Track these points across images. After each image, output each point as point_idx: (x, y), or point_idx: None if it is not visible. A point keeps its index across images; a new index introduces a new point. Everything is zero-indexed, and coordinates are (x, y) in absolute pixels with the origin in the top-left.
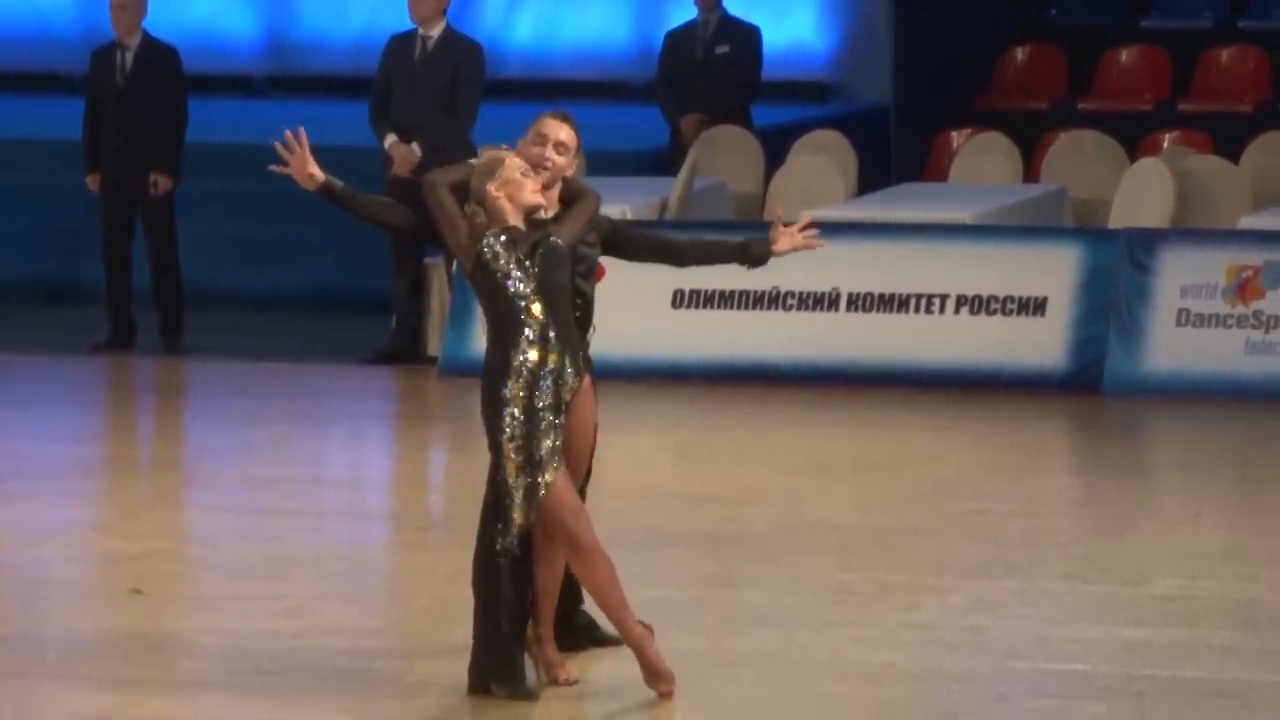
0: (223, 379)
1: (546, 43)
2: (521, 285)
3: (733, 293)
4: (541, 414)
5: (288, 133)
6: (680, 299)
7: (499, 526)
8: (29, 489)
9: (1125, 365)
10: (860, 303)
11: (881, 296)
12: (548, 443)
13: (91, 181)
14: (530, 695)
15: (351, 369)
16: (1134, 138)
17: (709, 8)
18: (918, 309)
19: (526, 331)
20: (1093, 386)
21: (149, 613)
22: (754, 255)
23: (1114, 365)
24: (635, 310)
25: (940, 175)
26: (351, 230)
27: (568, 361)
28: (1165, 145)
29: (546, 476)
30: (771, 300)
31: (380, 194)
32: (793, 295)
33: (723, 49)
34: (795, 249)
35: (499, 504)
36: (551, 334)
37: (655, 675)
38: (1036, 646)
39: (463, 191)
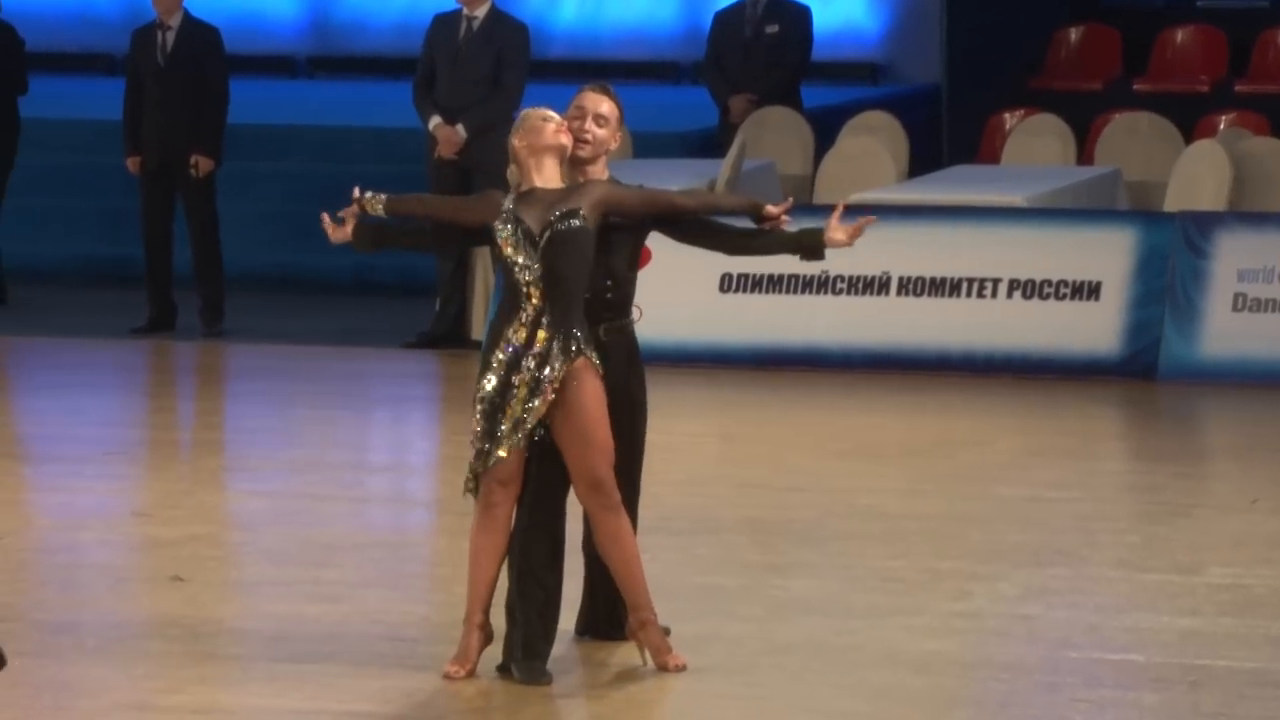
0: (264, 362)
1: (592, 22)
2: (526, 273)
3: (781, 277)
4: (514, 391)
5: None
6: (728, 283)
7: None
8: (68, 473)
9: (1180, 350)
10: (911, 287)
11: (933, 280)
12: (509, 421)
13: (132, 163)
14: (542, 678)
15: (395, 352)
16: (1190, 119)
17: None
18: (969, 293)
19: (522, 313)
20: (1147, 372)
21: (189, 599)
22: (806, 246)
23: (1169, 350)
24: (682, 294)
25: (993, 157)
26: None
27: (557, 346)
28: (1222, 127)
29: (500, 451)
30: (821, 284)
31: (426, 180)
32: (842, 279)
33: (772, 29)
34: (852, 238)
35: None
36: (545, 319)
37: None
38: (1089, 635)
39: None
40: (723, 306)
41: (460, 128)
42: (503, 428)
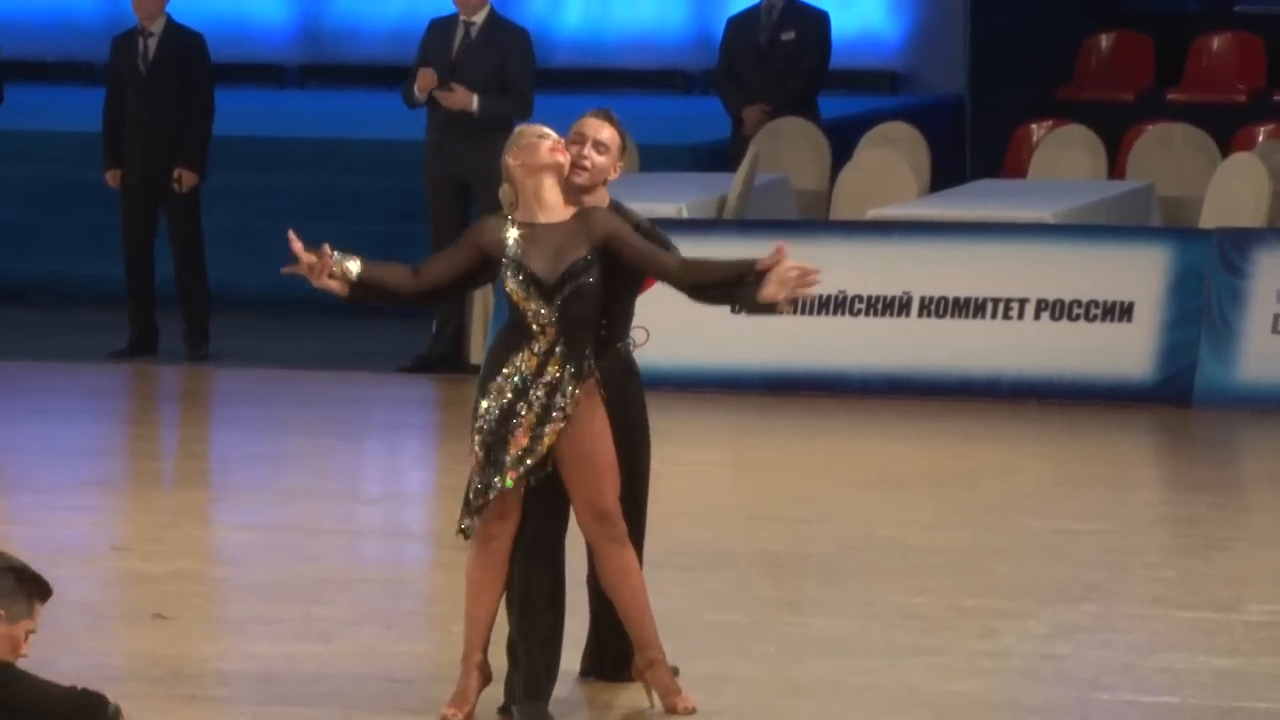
0: (251, 388)
1: (597, 29)
2: (539, 318)
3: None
4: (519, 419)
5: (298, 249)
6: None
7: (460, 510)
8: (44, 505)
9: (1217, 374)
10: (933, 307)
11: (956, 301)
12: (515, 449)
13: (111, 177)
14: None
15: (389, 377)
16: (1226, 131)
17: None
18: (995, 314)
19: (534, 344)
20: (1182, 397)
21: (172, 638)
22: (743, 299)
23: (1205, 374)
24: (691, 315)
25: (1019, 171)
26: (389, 229)
27: (569, 374)
28: (1260, 139)
29: (505, 481)
30: (838, 305)
31: (424, 194)
32: (860, 299)
33: (788, 35)
34: (786, 298)
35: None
36: (558, 350)
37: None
38: (1121, 676)
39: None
40: (734, 328)
41: (474, 96)
42: (507, 456)
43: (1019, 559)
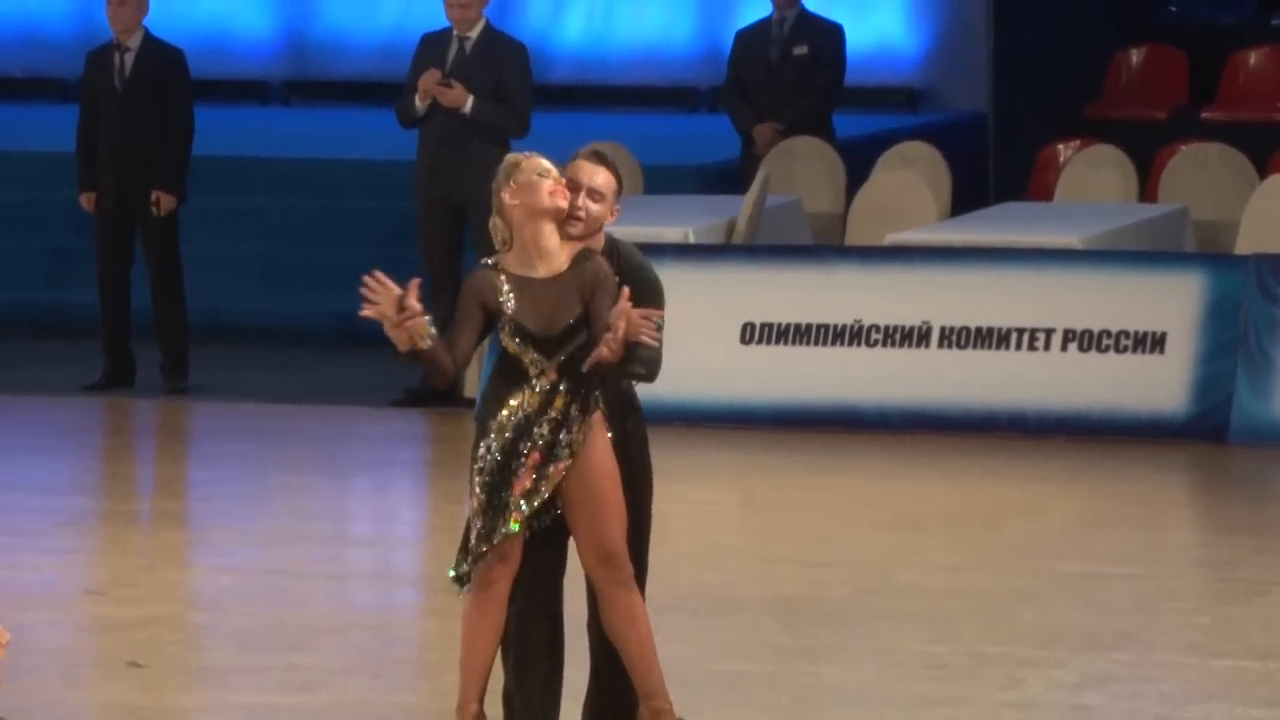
0: (232, 423)
1: (599, 43)
2: (537, 366)
3: (809, 327)
4: (523, 459)
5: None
6: (750, 333)
7: (456, 555)
8: (13, 547)
9: (1255, 409)
10: (954, 338)
11: (978, 331)
12: (520, 490)
13: (86, 199)
14: None
15: (379, 412)
16: (1264, 151)
17: (785, 4)
18: (1019, 345)
19: (536, 383)
20: (1218, 433)
21: (149, 687)
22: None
23: (1242, 409)
24: (699, 346)
25: (1045, 194)
26: (379, 254)
27: (575, 408)
28: None
29: (510, 525)
30: (854, 335)
31: (415, 217)
32: (877, 329)
33: (800, 50)
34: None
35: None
36: (562, 387)
37: None
38: None
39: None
40: (744, 359)
41: (469, 96)
42: (511, 498)
43: (1046, 604)
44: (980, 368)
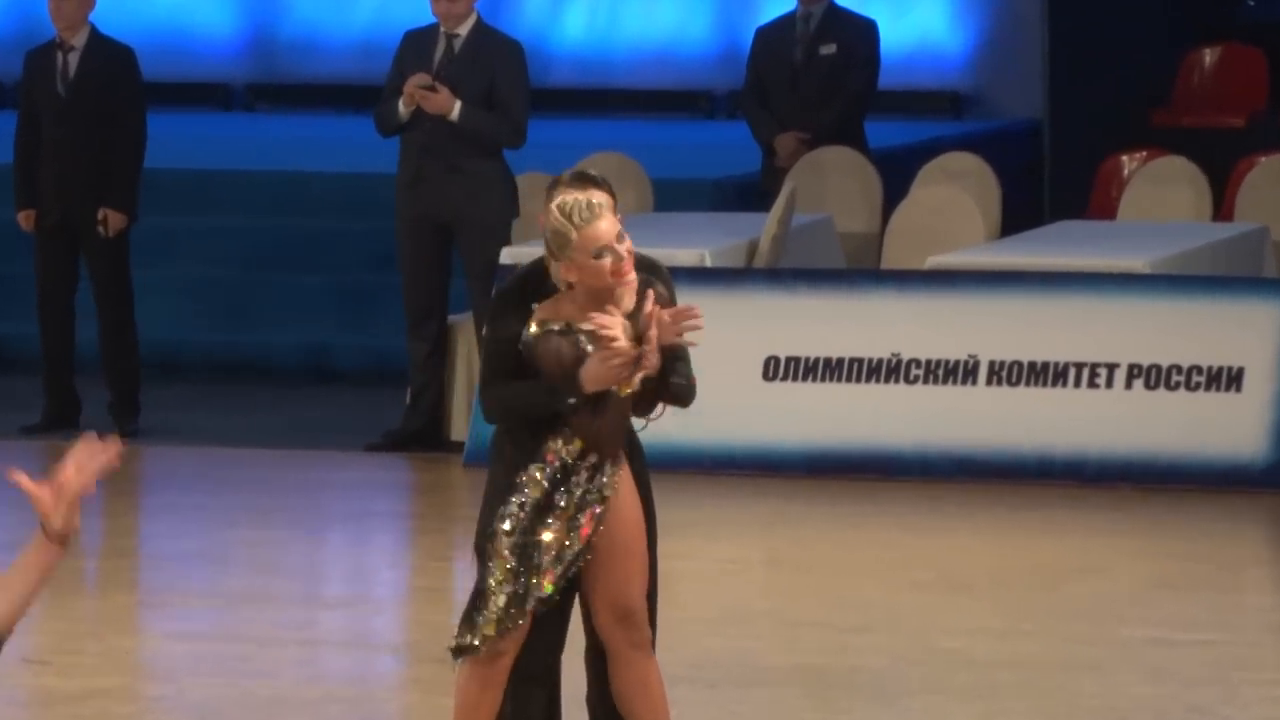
0: (189, 470)
1: (603, 42)
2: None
3: (840, 361)
4: (558, 512)
5: None
6: (774, 368)
7: (459, 626)
8: None
9: None
10: (1005, 374)
11: (1032, 366)
12: (554, 547)
13: (24, 218)
14: None
15: (355, 457)
16: None
17: None
18: (1078, 382)
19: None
20: None
21: None
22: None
23: None
24: (716, 383)
25: (1107, 211)
26: (352, 281)
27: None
28: None
29: (544, 588)
30: (891, 370)
31: (395, 238)
32: (918, 364)
33: (828, 49)
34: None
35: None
36: None
37: None
38: None
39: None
40: (767, 398)
41: (457, 102)
42: (545, 557)
43: (1108, 675)
44: (1034, 408)
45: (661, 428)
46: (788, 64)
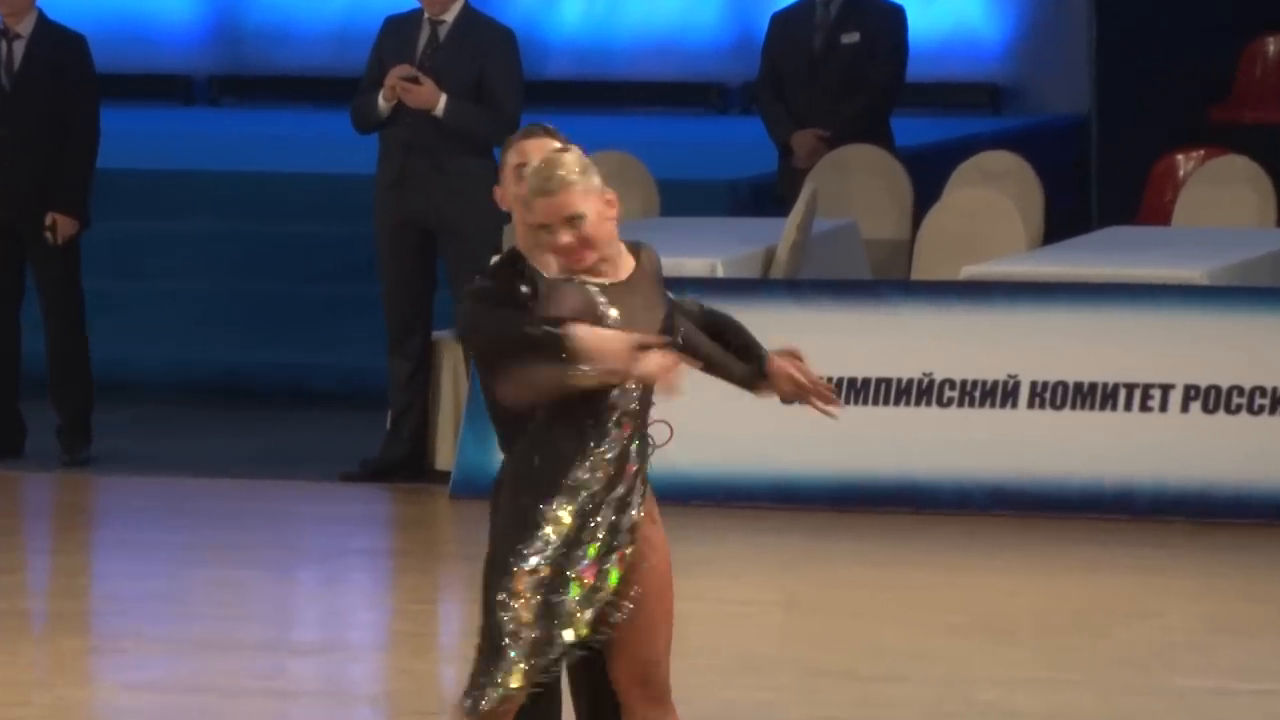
0: (148, 502)
1: (603, 30)
2: (620, 413)
3: (867, 382)
4: (586, 549)
5: None
6: None
7: (473, 677)
8: None
9: None
10: (1048, 396)
11: (1078, 388)
12: (580, 591)
13: None
14: None
15: (329, 488)
16: None
17: None
18: (1129, 405)
19: (604, 448)
20: None
21: None
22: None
23: None
24: (731, 407)
25: (1160, 216)
26: (327, 292)
27: (641, 476)
28: None
29: (567, 635)
30: (923, 392)
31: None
32: (952, 385)
33: (850, 37)
34: (794, 397)
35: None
36: (634, 447)
37: None
38: None
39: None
40: (787, 423)
41: (441, 96)
42: (570, 601)
43: None
44: (1080, 433)
45: (669, 456)
46: (806, 53)
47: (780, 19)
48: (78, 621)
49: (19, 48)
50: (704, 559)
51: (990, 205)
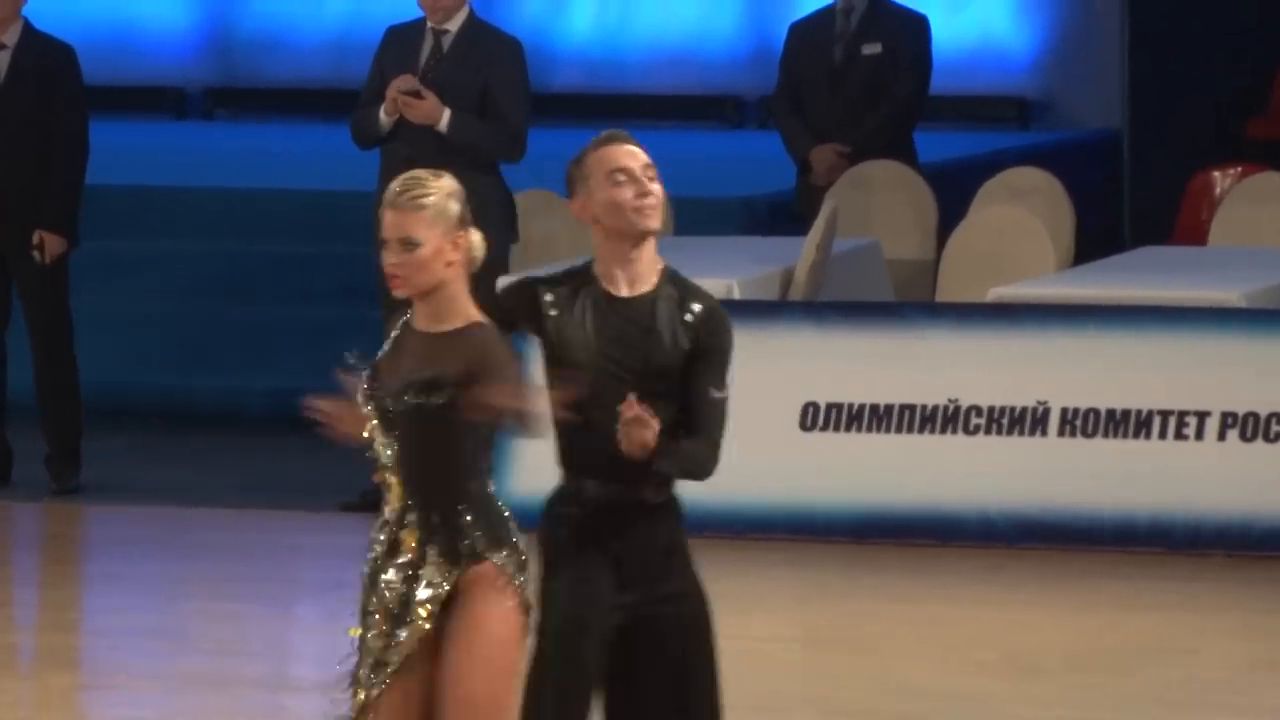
0: (140, 532)
1: (614, 41)
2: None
3: (889, 409)
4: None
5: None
6: (812, 417)
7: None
8: None
9: None
10: (1079, 423)
11: (1110, 415)
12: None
13: None
14: None
15: (328, 518)
16: None
17: None
18: (1164, 433)
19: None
20: None
21: None
22: None
23: None
24: (747, 433)
25: (1197, 236)
26: (327, 316)
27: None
28: None
29: (358, 696)
30: (948, 419)
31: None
32: (979, 412)
33: (872, 48)
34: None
35: None
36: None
37: None
38: None
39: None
40: (805, 450)
41: (446, 111)
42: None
43: None
44: (1112, 462)
45: (684, 485)
46: (826, 65)
47: (799, 29)
48: (67, 657)
49: (4, 58)
50: (719, 594)
51: (1018, 224)
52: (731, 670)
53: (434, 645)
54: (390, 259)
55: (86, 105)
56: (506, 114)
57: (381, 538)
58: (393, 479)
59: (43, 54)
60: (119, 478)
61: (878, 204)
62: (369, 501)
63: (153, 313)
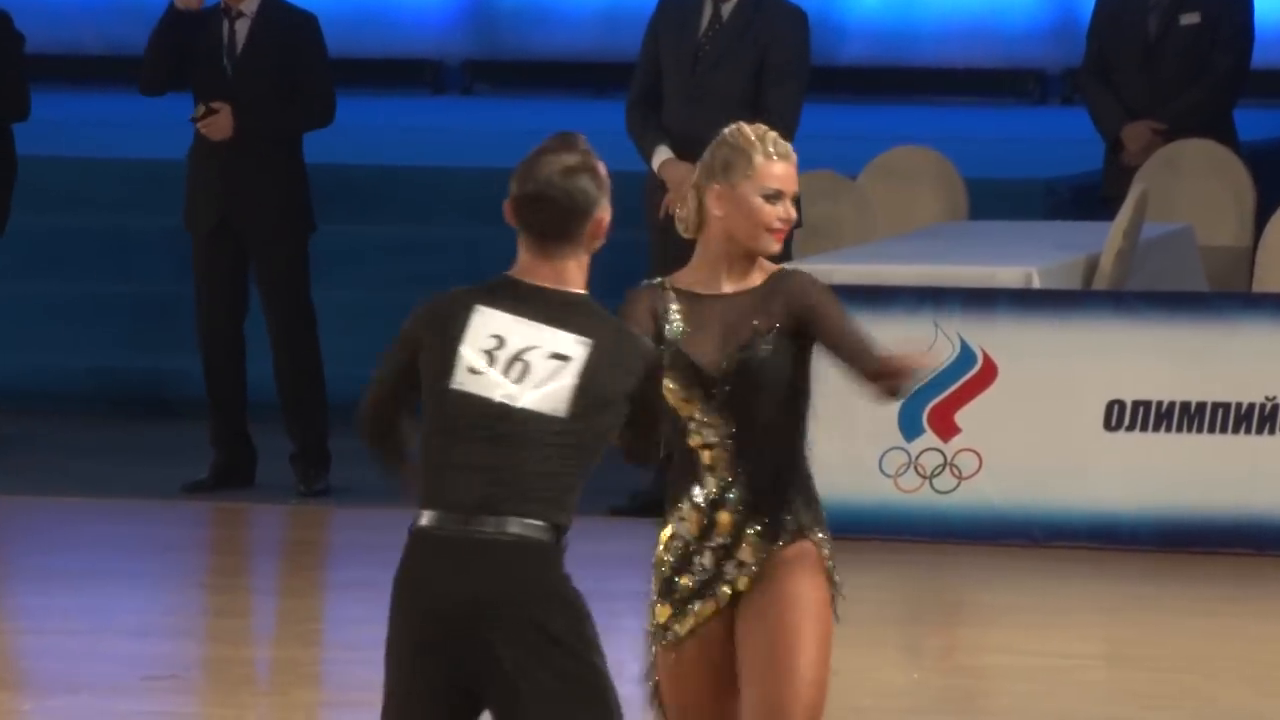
0: (388, 537)
1: (905, 11)
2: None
3: (1201, 406)
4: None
5: None
6: (1117, 415)
7: None
8: (87, 710)
9: None
10: None
11: None
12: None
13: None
14: None
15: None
16: None
17: None
18: None
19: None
20: None
21: None
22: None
23: None
24: (1049, 434)
25: None
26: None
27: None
28: None
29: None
30: (1265, 418)
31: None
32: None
33: (1190, 19)
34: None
35: None
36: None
37: None
38: None
39: None
40: (1109, 451)
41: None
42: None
43: None
44: None
45: (978, 489)
46: (1139, 37)
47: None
48: (308, 671)
49: (242, 28)
50: (1014, 606)
51: None
52: (1028, 690)
53: (729, 616)
54: (791, 213)
55: (331, 77)
56: (787, 82)
57: (689, 522)
58: (713, 456)
59: (285, 24)
60: (366, 479)
61: (1191, 186)
62: (637, 505)
63: (407, 303)
